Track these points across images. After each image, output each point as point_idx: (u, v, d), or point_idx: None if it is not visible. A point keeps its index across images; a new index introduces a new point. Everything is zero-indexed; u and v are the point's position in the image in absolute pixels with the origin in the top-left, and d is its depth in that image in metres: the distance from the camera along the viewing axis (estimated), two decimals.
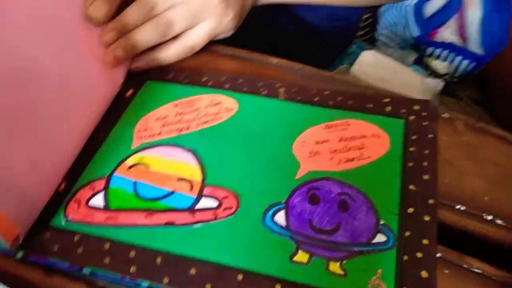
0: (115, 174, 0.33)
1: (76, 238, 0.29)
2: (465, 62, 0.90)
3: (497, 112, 0.74)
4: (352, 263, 0.27)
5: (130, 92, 0.39)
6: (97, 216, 0.30)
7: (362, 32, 0.99)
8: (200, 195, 0.31)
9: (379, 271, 0.27)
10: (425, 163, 0.32)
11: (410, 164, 0.32)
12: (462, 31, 0.89)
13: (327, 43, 0.69)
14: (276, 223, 0.30)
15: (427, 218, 0.29)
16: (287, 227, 0.29)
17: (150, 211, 0.31)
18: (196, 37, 0.41)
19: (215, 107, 0.38)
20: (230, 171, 0.33)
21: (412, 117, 0.35)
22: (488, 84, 0.85)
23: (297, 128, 0.35)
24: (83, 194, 0.32)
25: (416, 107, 0.36)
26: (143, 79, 0.40)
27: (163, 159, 0.34)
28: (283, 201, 0.31)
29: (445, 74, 0.92)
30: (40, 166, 0.30)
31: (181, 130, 0.36)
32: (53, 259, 0.29)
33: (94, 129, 0.36)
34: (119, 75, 0.39)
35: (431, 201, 0.30)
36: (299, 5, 0.63)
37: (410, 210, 0.30)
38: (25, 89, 0.30)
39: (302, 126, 0.35)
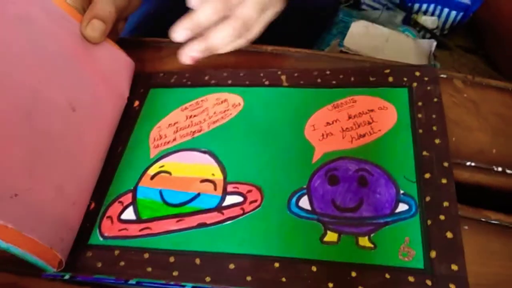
0: (140, 185, 0.34)
1: (116, 252, 0.31)
2: (453, 13, 0.90)
3: (493, 58, 0.74)
4: (380, 235, 0.29)
5: (136, 103, 0.40)
6: (132, 229, 0.32)
7: None
8: (225, 193, 0.33)
9: (407, 238, 0.28)
10: (434, 128, 0.33)
11: (420, 130, 0.33)
12: None
13: (313, 16, 0.69)
14: (301, 208, 0.31)
15: (444, 181, 0.30)
16: (312, 211, 0.31)
17: (181, 216, 0.32)
18: (259, 28, 0.40)
19: (222, 105, 0.38)
20: (249, 165, 0.34)
21: (415, 84, 0.36)
22: (480, 32, 0.85)
23: (305, 112, 0.36)
24: (114, 210, 0.33)
25: (418, 73, 0.37)
26: (146, 88, 0.41)
27: (183, 164, 0.35)
28: (305, 186, 0.32)
29: (435, 28, 0.92)
30: (66, 190, 0.31)
31: (194, 133, 0.37)
32: (99, 276, 0.30)
33: (110, 145, 0.37)
34: (124, 88, 0.40)
35: (445, 164, 0.31)
36: None
37: (427, 175, 0.31)
38: (36, 120, 0.30)
39: (310, 110, 0.36)
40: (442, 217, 0.29)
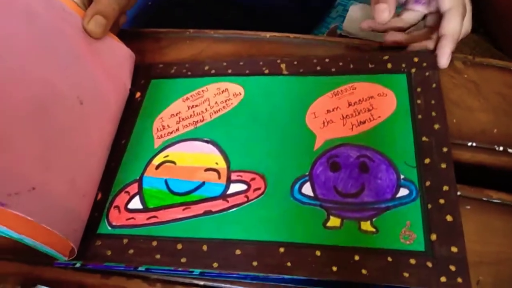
0: (145, 175, 0.35)
1: (125, 241, 0.32)
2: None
3: (494, 35, 0.74)
4: (382, 219, 0.30)
5: (138, 94, 0.41)
6: (139, 218, 0.33)
7: None
8: (229, 181, 0.33)
9: (408, 222, 0.29)
10: (433, 113, 0.34)
11: (420, 116, 0.34)
12: None
13: (312, 1, 0.69)
14: (304, 195, 0.32)
15: (443, 165, 0.31)
16: (315, 197, 0.32)
17: (187, 204, 0.33)
18: None
19: (222, 94, 0.39)
20: (252, 154, 0.35)
21: (413, 70, 0.37)
22: (480, 9, 0.85)
23: (306, 100, 0.37)
24: (120, 200, 0.34)
25: (416, 59, 0.37)
26: (147, 80, 0.41)
27: (187, 153, 0.36)
28: (307, 173, 0.33)
29: None
30: (78, 182, 0.32)
31: (196, 122, 0.37)
32: (109, 263, 0.31)
33: (115, 137, 0.37)
34: (126, 80, 0.40)
35: (445, 149, 0.32)
36: None
37: (427, 160, 0.31)
38: (49, 114, 0.31)
39: (310, 98, 0.37)
40: (442, 201, 0.30)
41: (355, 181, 0.32)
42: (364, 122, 0.35)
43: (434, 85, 0.35)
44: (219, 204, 0.32)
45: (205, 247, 0.30)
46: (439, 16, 0.39)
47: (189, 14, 0.59)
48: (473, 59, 0.39)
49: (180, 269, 0.30)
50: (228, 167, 0.34)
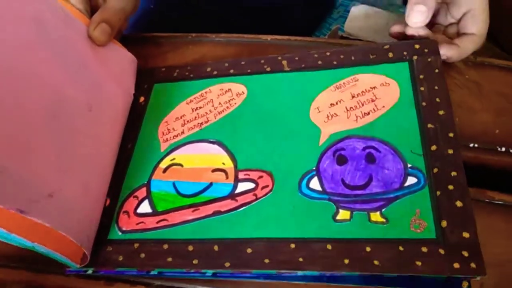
0: (153, 179, 0.35)
1: (136, 245, 0.32)
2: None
3: (495, 34, 0.73)
4: (391, 209, 0.30)
5: (142, 99, 0.41)
6: (149, 222, 0.33)
7: None
8: (236, 181, 0.33)
9: (417, 210, 0.29)
10: (437, 99, 0.33)
11: (424, 103, 0.34)
12: None
13: (313, 2, 0.69)
14: (312, 190, 0.32)
15: (450, 151, 0.31)
16: (323, 191, 0.31)
17: (196, 206, 0.33)
18: None
19: (226, 95, 0.39)
20: (258, 152, 0.35)
21: (415, 57, 0.36)
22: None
23: (309, 95, 0.37)
24: (129, 204, 0.34)
25: (417, 46, 0.37)
26: (150, 84, 0.42)
27: (193, 155, 0.36)
28: (314, 168, 0.33)
29: None
30: (90, 188, 0.32)
31: (201, 124, 0.37)
32: (121, 268, 0.31)
33: (121, 142, 0.37)
34: (130, 85, 0.40)
35: (451, 134, 0.31)
36: None
37: (433, 147, 0.31)
38: (62, 119, 0.31)
39: (313, 92, 0.37)
40: (450, 187, 0.29)
41: (362, 172, 0.32)
42: (368, 113, 0.34)
43: (436, 71, 0.35)
44: (228, 204, 0.32)
45: (216, 248, 0.31)
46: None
47: (191, 18, 0.60)
48: (475, 59, 0.39)
49: (192, 271, 0.30)
50: (235, 166, 0.34)
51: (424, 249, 0.28)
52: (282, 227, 0.31)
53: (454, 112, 0.33)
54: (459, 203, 0.29)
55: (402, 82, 0.35)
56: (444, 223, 0.28)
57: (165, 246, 0.31)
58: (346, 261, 0.28)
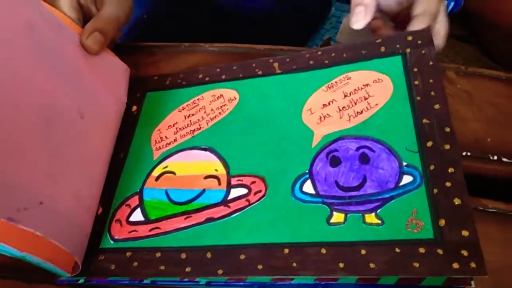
0: (145, 187, 0.35)
1: (128, 254, 0.31)
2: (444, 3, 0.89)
3: (486, 45, 0.74)
4: (386, 210, 0.29)
5: (135, 108, 0.41)
6: (141, 230, 0.32)
7: None
8: (229, 187, 0.33)
9: (414, 210, 0.28)
10: (432, 93, 0.32)
11: (418, 98, 0.32)
12: None
13: (306, 12, 0.69)
14: (306, 193, 0.31)
15: (447, 146, 0.30)
16: (317, 194, 0.31)
17: (188, 213, 0.32)
18: None
19: (218, 101, 0.39)
20: (250, 157, 0.34)
21: (408, 49, 0.35)
22: (472, 19, 0.84)
23: (301, 97, 0.36)
24: (122, 213, 0.34)
25: (410, 38, 0.36)
26: (142, 93, 0.42)
27: (186, 162, 0.35)
28: (307, 171, 0.32)
29: None
30: (82, 196, 0.32)
31: (193, 131, 0.37)
32: (113, 278, 0.31)
33: (113, 151, 0.37)
34: (122, 94, 0.40)
35: (447, 129, 0.30)
36: None
37: (429, 143, 0.30)
38: (54, 127, 0.31)
39: (305, 94, 0.36)
40: (448, 184, 0.28)
41: (356, 173, 0.31)
42: (361, 112, 0.34)
43: (431, 63, 0.34)
44: (221, 210, 0.32)
45: (209, 255, 0.30)
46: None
47: (184, 27, 0.60)
48: (466, 69, 0.39)
49: (186, 279, 0.30)
50: (228, 172, 0.34)
51: (422, 250, 0.26)
52: (276, 232, 0.30)
53: None
54: (457, 201, 0.28)
55: (396, 77, 0.34)
56: (442, 222, 0.27)
57: (158, 254, 0.31)
58: (341, 265, 0.27)
